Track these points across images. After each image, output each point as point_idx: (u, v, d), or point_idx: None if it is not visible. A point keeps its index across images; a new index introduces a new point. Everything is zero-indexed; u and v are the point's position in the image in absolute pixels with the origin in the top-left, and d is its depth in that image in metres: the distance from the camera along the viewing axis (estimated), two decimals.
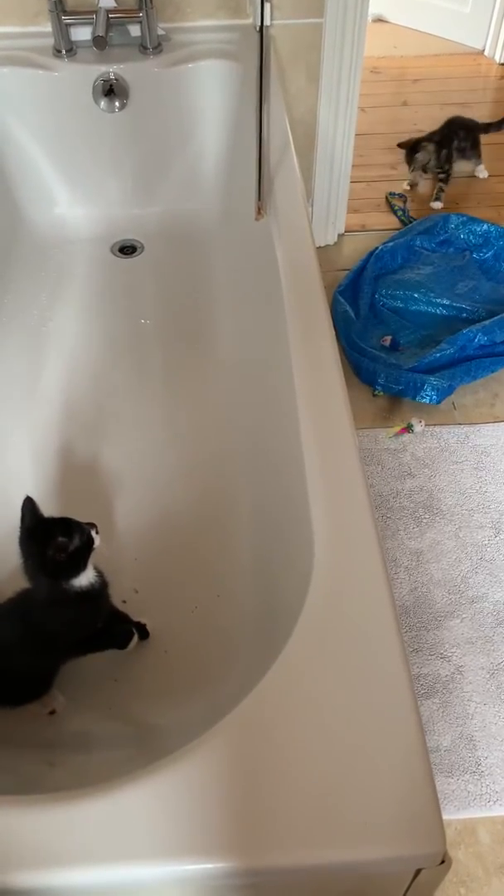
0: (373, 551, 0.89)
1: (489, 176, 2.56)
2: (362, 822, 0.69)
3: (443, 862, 0.68)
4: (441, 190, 2.45)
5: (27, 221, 1.89)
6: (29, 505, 0.98)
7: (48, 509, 1.38)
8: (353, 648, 0.81)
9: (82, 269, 1.84)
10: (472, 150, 2.48)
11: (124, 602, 1.22)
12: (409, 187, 2.51)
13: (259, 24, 1.25)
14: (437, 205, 2.45)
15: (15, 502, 0.99)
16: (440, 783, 1.28)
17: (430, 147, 2.40)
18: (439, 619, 1.47)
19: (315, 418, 1.03)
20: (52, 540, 0.95)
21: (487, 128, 2.50)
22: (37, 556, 0.96)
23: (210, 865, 0.69)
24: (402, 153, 2.52)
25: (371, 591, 0.86)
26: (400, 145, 2.49)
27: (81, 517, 1.37)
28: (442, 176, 2.45)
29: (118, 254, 1.88)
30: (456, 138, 2.40)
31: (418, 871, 0.70)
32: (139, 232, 1.92)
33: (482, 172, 2.55)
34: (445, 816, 1.24)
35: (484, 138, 2.52)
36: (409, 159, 2.44)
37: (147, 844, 0.69)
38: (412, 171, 2.46)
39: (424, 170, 2.46)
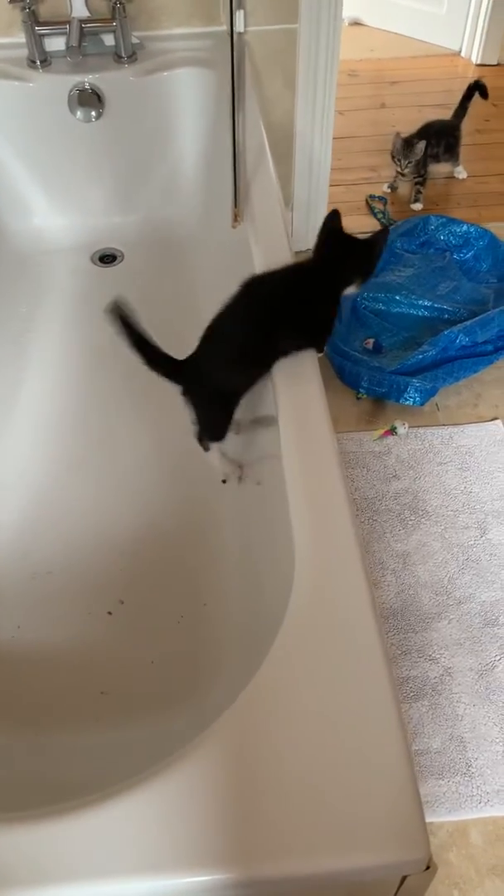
0: (353, 557, 0.89)
1: (468, 176, 2.57)
2: (347, 831, 0.69)
3: (428, 868, 0.68)
4: (419, 192, 2.47)
5: (5, 232, 1.89)
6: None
7: (30, 518, 1.38)
8: (335, 655, 0.81)
9: (62, 279, 1.84)
10: (448, 152, 2.49)
11: (109, 614, 1.21)
12: (389, 190, 2.51)
13: (230, 30, 1.25)
14: (417, 206, 2.46)
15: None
16: (431, 785, 1.28)
17: (421, 145, 2.39)
18: (427, 620, 1.47)
19: (295, 425, 1.03)
20: None
21: (458, 118, 2.49)
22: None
23: (196, 879, 0.68)
24: (381, 155, 2.52)
25: (352, 596, 0.86)
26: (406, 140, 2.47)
27: (65, 524, 1.38)
28: (418, 179, 2.46)
29: (98, 263, 1.88)
30: (429, 144, 2.41)
31: (404, 878, 0.70)
32: (119, 240, 1.92)
33: (461, 173, 2.56)
34: (437, 818, 1.24)
35: (464, 139, 2.53)
36: (406, 152, 2.40)
37: (134, 858, 0.69)
38: (406, 163, 2.41)
39: (418, 164, 2.43)
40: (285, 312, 1.12)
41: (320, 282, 1.16)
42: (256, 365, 1.15)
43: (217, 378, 1.16)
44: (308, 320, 1.16)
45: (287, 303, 1.13)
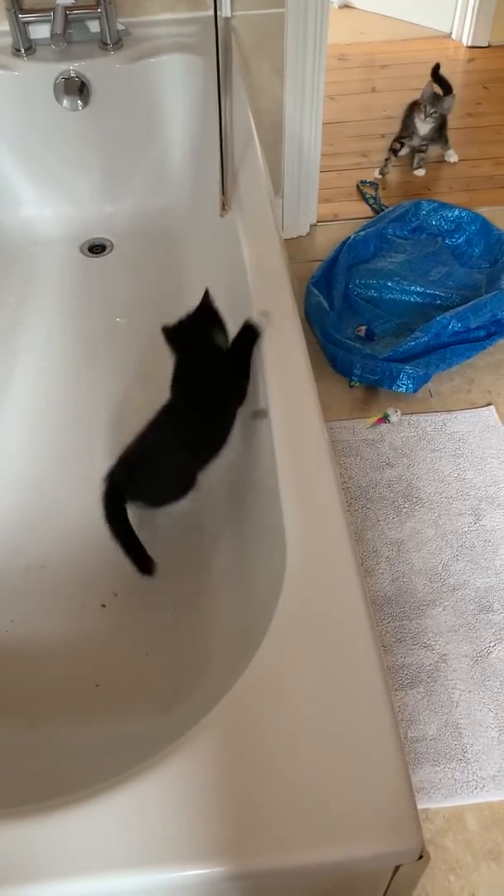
0: (344, 547, 0.88)
1: (459, 160, 2.55)
2: (340, 822, 0.69)
3: (421, 857, 0.68)
4: (422, 159, 2.49)
5: None
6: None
7: (22, 511, 1.38)
8: (327, 645, 0.81)
9: (52, 270, 1.82)
10: (438, 133, 2.48)
11: (103, 606, 1.21)
12: (380, 176, 2.50)
13: (214, 15, 1.23)
14: (420, 172, 2.49)
15: None
16: (427, 772, 1.28)
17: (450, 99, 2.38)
18: (421, 608, 1.47)
19: (285, 414, 1.03)
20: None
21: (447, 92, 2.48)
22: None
23: (191, 872, 0.68)
24: (372, 140, 2.51)
25: (344, 586, 0.86)
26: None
27: (58, 517, 1.37)
28: (423, 145, 2.48)
29: (88, 253, 1.86)
30: (417, 110, 2.40)
31: (398, 868, 0.70)
32: (108, 230, 1.90)
33: (452, 157, 2.55)
34: (433, 805, 1.25)
35: (454, 122, 2.52)
36: (434, 100, 2.38)
37: (130, 852, 0.69)
38: (431, 111, 2.38)
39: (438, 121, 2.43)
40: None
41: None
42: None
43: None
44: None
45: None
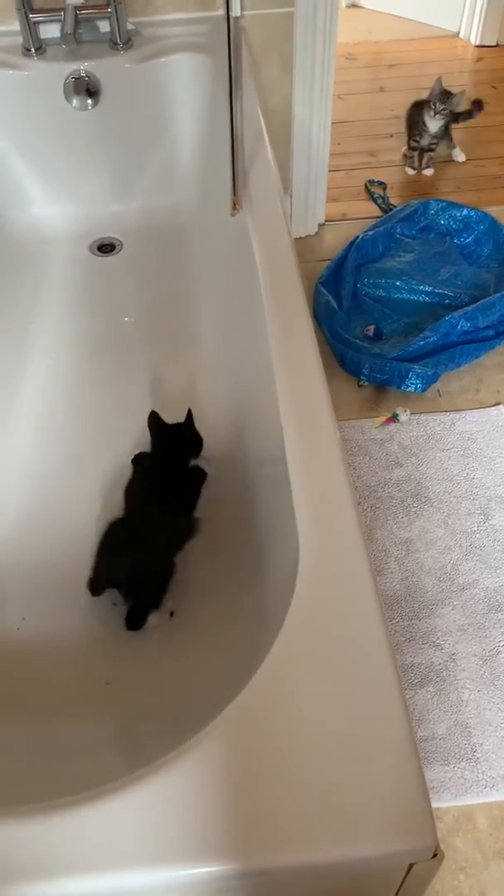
0: (357, 545, 0.88)
1: (467, 160, 2.55)
2: (353, 819, 0.69)
3: (435, 855, 0.68)
4: (431, 158, 2.49)
5: (3, 223, 1.87)
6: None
7: (32, 510, 1.38)
8: (339, 644, 0.81)
9: (61, 270, 1.83)
10: (445, 130, 2.47)
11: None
12: (413, 171, 2.51)
13: (226, 14, 1.24)
14: (429, 171, 2.50)
15: None
16: (437, 771, 1.28)
17: (459, 96, 2.38)
18: (431, 607, 1.47)
19: (296, 413, 1.03)
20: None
21: (457, 117, 2.49)
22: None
23: (203, 870, 0.68)
24: (380, 139, 2.51)
25: (356, 585, 0.86)
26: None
27: (66, 517, 1.39)
28: (433, 143, 2.47)
29: (97, 252, 1.87)
30: (427, 108, 2.39)
31: (411, 866, 0.70)
32: (117, 229, 1.90)
33: (459, 156, 2.54)
34: (443, 804, 1.25)
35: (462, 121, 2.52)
36: (444, 97, 2.37)
37: (141, 850, 0.69)
38: (441, 108, 2.38)
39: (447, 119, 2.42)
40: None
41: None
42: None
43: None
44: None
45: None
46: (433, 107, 2.36)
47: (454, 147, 2.53)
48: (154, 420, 1.37)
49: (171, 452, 1.36)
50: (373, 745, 0.74)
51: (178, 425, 1.37)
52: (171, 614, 1.21)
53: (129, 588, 1.20)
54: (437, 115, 2.37)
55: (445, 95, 2.36)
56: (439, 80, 2.38)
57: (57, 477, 1.42)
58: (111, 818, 0.71)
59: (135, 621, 1.18)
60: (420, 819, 0.69)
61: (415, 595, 1.49)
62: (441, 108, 2.35)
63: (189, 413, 1.37)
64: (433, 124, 2.39)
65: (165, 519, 1.24)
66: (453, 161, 2.55)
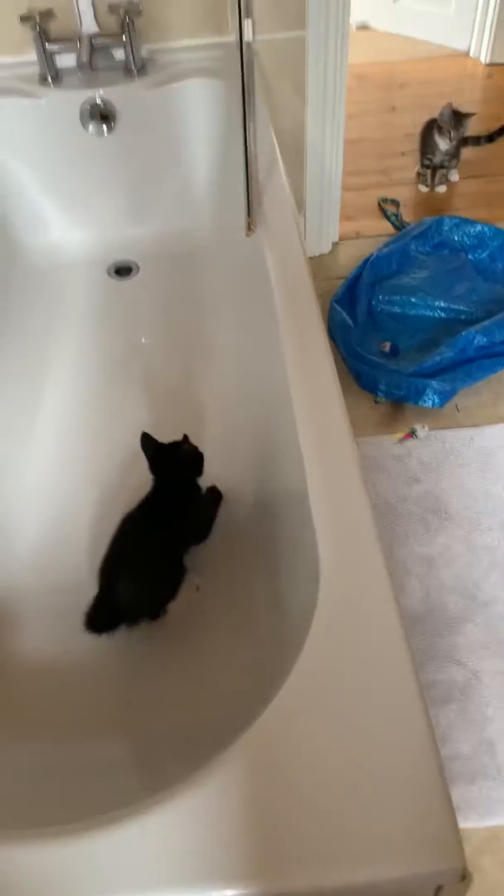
0: (377, 563, 0.88)
1: (480, 176, 2.56)
2: (379, 841, 0.69)
3: (464, 877, 0.67)
4: (444, 175, 2.51)
5: (21, 247, 1.90)
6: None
7: (53, 531, 1.39)
8: (362, 663, 0.81)
9: (79, 293, 1.85)
10: (457, 149, 2.49)
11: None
12: (427, 188, 2.53)
13: (239, 40, 1.25)
14: (442, 188, 2.51)
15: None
16: (462, 791, 1.26)
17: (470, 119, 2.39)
18: (453, 624, 1.46)
19: (314, 433, 1.03)
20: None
21: (478, 140, 2.51)
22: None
23: (225, 892, 0.68)
24: (392, 158, 2.52)
25: (378, 603, 0.85)
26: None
27: (87, 540, 1.38)
28: (448, 162, 2.49)
29: (114, 275, 1.89)
30: (438, 129, 2.41)
31: (439, 888, 0.69)
32: (134, 253, 1.93)
33: (453, 175, 2.58)
34: (470, 824, 1.23)
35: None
36: (456, 122, 2.39)
37: (164, 873, 0.69)
38: (454, 135, 2.40)
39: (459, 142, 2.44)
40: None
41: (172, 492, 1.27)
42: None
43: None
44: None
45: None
46: (448, 134, 2.39)
47: (454, 167, 2.55)
48: (147, 441, 1.29)
49: (172, 473, 1.28)
50: (398, 766, 0.73)
51: (174, 444, 1.31)
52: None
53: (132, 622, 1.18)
54: (450, 144, 2.40)
55: (457, 118, 2.37)
56: (449, 105, 2.39)
57: (78, 498, 1.43)
58: (134, 841, 0.70)
59: (100, 623, 1.17)
60: (448, 840, 0.68)
61: (436, 613, 1.48)
62: (454, 135, 2.38)
63: (185, 437, 1.32)
64: (444, 143, 2.41)
65: (163, 556, 1.20)
66: (461, 177, 2.57)
